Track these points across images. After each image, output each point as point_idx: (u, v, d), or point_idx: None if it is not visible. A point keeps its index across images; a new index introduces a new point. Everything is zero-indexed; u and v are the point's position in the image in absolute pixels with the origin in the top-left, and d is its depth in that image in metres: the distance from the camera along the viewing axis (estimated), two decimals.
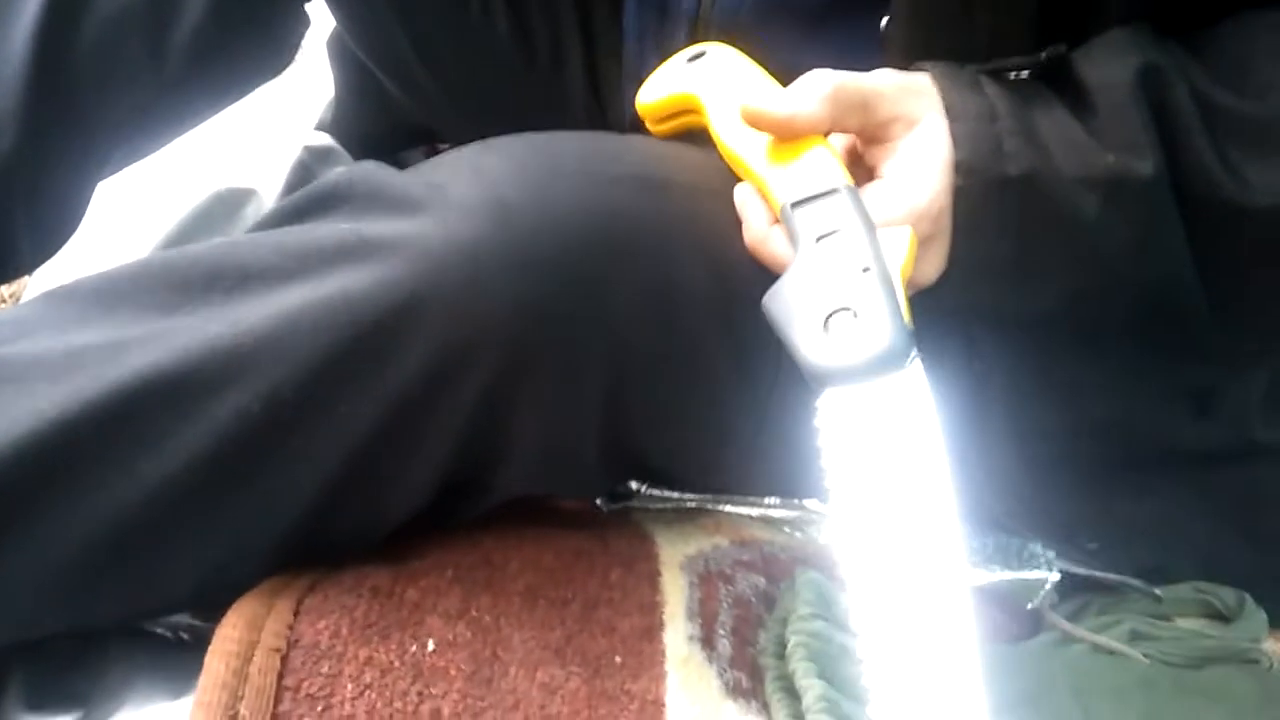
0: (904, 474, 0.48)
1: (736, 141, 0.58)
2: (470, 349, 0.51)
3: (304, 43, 0.93)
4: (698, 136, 0.63)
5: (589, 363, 0.53)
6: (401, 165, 0.58)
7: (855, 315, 0.49)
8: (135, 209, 0.89)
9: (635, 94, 0.66)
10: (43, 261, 0.80)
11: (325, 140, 0.95)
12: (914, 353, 0.49)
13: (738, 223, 0.56)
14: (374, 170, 0.55)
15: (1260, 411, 0.67)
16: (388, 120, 0.99)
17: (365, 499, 0.54)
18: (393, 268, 0.50)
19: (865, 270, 0.50)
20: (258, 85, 0.88)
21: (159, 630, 0.59)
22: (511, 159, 0.54)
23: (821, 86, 0.54)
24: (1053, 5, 0.57)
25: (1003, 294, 0.57)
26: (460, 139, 0.60)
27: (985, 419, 0.64)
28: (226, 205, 0.88)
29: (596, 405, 0.55)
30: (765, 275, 0.53)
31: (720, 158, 0.59)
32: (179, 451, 0.50)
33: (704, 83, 0.61)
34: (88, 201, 0.80)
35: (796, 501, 0.68)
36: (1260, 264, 0.56)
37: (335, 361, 0.50)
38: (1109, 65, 0.56)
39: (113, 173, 0.82)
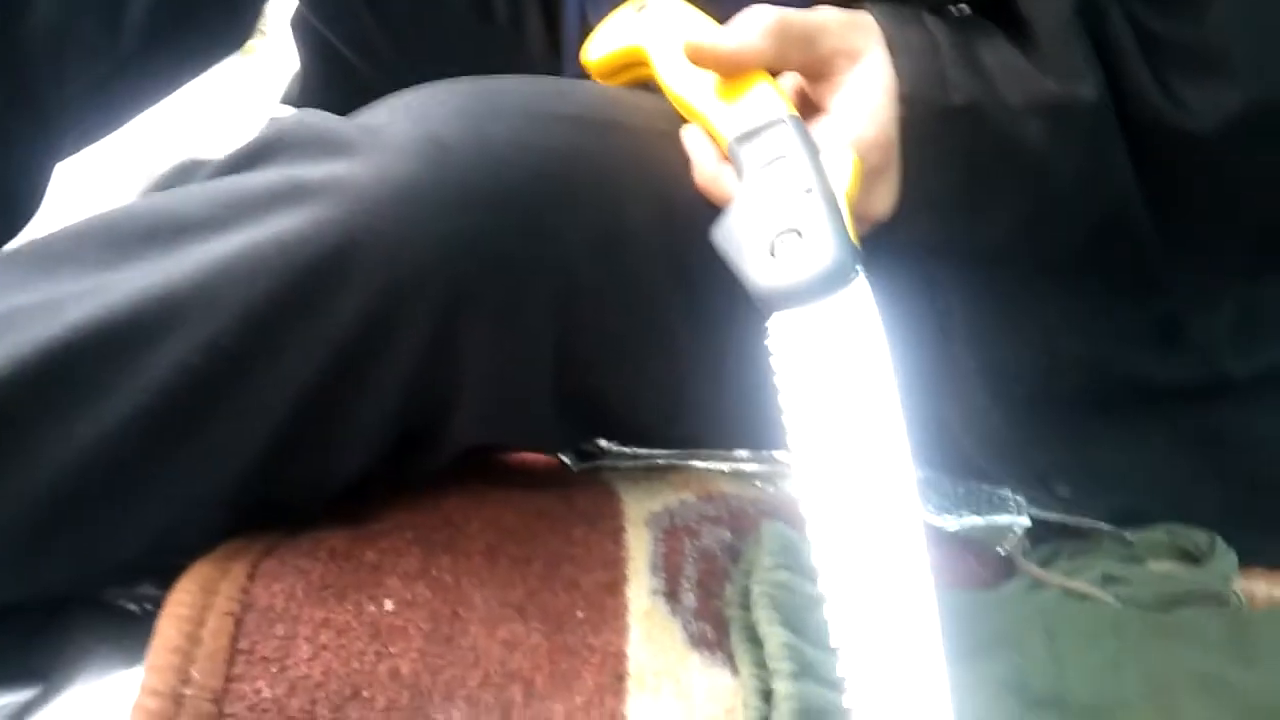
0: (852, 394, 0.47)
1: (681, 84, 0.57)
2: (410, 290, 0.50)
3: (269, 17, 0.92)
4: (651, 87, 0.62)
5: (534, 302, 0.53)
6: None
7: (800, 235, 0.49)
8: (99, 182, 0.88)
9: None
10: (3, 244, 0.79)
11: (290, 112, 0.94)
12: (859, 269, 0.49)
13: (688, 165, 0.56)
14: (311, 117, 0.55)
15: (1229, 343, 0.66)
16: (352, 94, 0.97)
17: (315, 451, 0.53)
18: (325, 210, 0.49)
19: (809, 191, 0.50)
20: (216, 61, 0.87)
21: (123, 603, 0.59)
22: (450, 100, 0.54)
23: (764, 20, 0.54)
24: None
25: (955, 225, 0.57)
26: None
27: (952, 359, 0.64)
28: (190, 177, 0.87)
29: (545, 347, 0.54)
30: (716, 216, 0.53)
31: (670, 104, 0.59)
32: (119, 407, 0.49)
33: (650, 33, 0.61)
34: (46, 182, 0.79)
35: (766, 454, 0.68)
36: (1205, 188, 0.56)
37: (272, 308, 0.49)
38: None
39: (72, 153, 0.81)
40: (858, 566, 0.45)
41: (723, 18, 0.59)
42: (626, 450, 0.68)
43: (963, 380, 0.64)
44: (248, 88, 1.04)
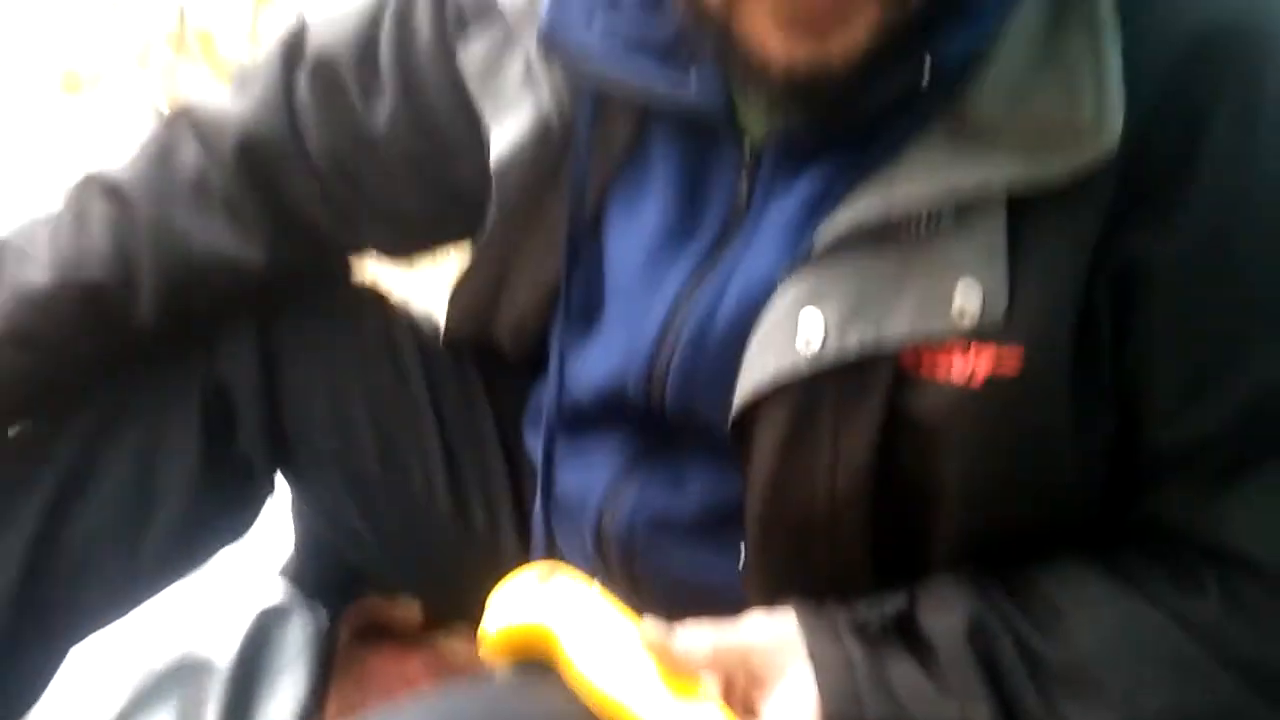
0: None
1: (617, 690, 0.63)
2: None
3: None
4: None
5: None
6: None
7: None
8: (96, 670, 0.93)
9: None
10: None
11: (280, 600, 1.00)
12: None
13: None
14: None
15: None
16: (344, 570, 1.05)
17: None
18: None
19: None
20: (220, 549, 0.95)
21: None
22: None
23: (703, 646, 0.62)
24: (883, 551, 0.66)
25: None
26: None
27: None
28: (181, 677, 0.93)
29: None
30: None
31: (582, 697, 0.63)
32: None
33: (558, 616, 0.65)
34: (54, 674, 0.86)
35: None
36: None
37: None
38: (943, 617, 0.63)
39: (78, 643, 0.88)
40: None
41: (662, 578, 0.68)
42: None
43: None
44: (241, 568, 1.09)
